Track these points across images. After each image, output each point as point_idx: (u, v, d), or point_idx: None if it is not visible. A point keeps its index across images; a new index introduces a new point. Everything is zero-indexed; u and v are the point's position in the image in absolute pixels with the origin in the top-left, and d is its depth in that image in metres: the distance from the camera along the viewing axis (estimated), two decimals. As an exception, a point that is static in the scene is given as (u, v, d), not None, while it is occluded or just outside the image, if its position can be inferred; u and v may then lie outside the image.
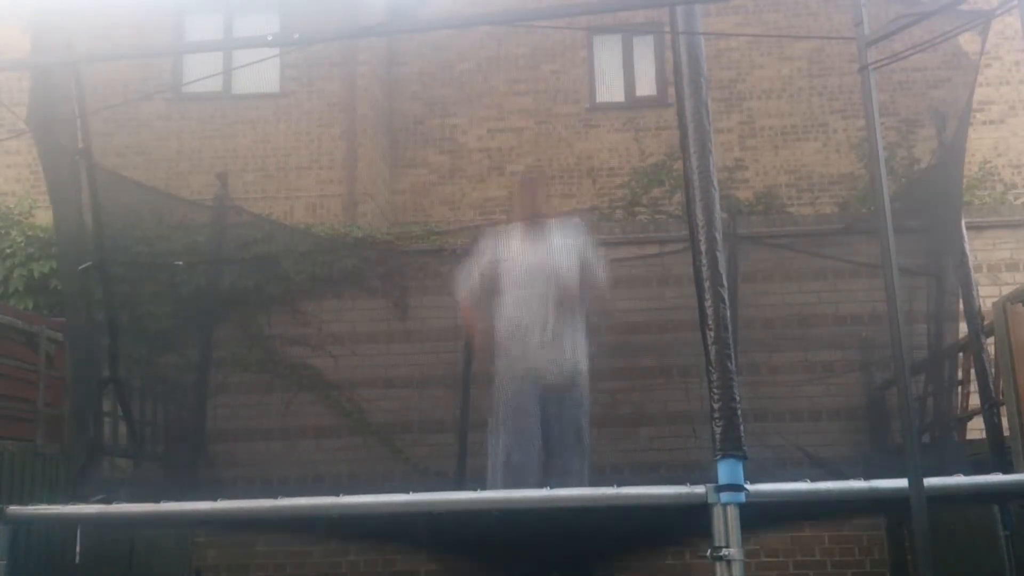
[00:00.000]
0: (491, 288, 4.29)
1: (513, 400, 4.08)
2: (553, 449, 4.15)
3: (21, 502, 3.53)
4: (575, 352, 4.16)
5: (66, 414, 4.44)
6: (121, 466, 4.57)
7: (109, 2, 8.43)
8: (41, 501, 3.96)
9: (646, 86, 9.97)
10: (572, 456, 4.12)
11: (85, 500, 3.34)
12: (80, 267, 4.10)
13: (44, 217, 7.19)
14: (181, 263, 5.36)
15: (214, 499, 3.01)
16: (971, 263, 4.45)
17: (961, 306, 4.50)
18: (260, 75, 8.91)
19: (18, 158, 9.09)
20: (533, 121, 9.86)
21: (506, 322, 4.18)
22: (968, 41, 3.92)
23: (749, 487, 2.64)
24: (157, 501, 3.09)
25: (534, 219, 4.35)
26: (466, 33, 8.93)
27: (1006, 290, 5.43)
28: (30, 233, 7.06)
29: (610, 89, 10.03)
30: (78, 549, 3.30)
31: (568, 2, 3.64)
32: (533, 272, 4.19)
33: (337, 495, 2.93)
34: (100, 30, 6.55)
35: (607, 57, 10.10)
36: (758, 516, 2.80)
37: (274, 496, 2.94)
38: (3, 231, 7.17)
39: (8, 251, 6.97)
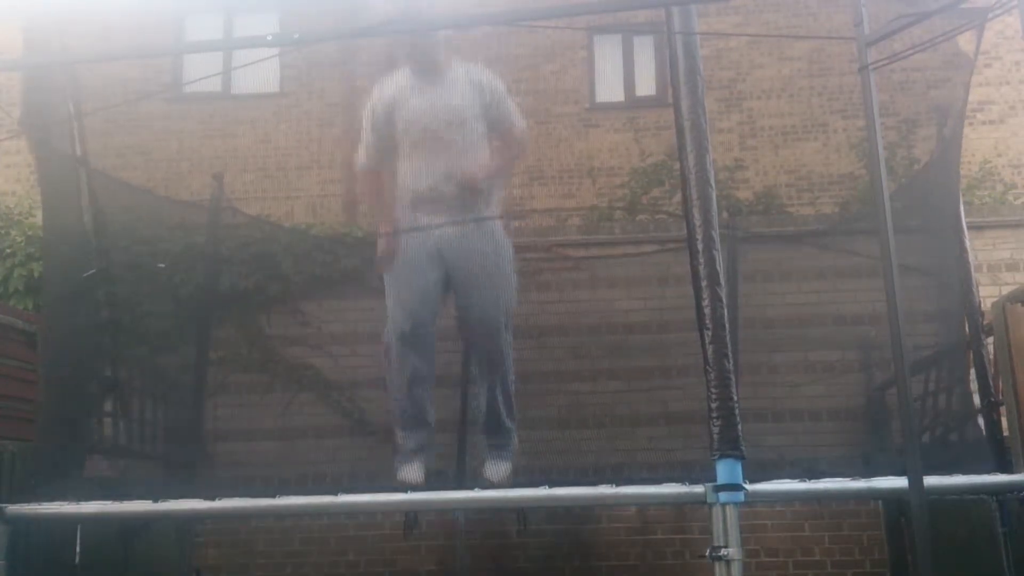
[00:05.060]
0: (389, 146, 3.71)
1: (409, 270, 3.61)
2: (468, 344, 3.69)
3: (21, 502, 3.52)
4: (485, 217, 3.62)
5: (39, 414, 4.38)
6: (99, 466, 4.54)
7: (108, 2, 8.43)
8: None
9: (646, 86, 9.97)
10: (489, 360, 3.65)
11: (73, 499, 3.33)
12: (84, 275, 4.08)
13: (44, 217, 7.20)
14: (163, 265, 5.30)
15: (213, 498, 3.01)
16: (972, 262, 4.45)
17: (961, 305, 4.50)
18: (260, 75, 8.90)
19: (18, 158, 9.10)
20: (533, 121, 9.81)
21: (404, 187, 3.64)
22: (967, 41, 3.93)
23: (748, 486, 2.64)
24: (156, 500, 3.09)
25: (430, 61, 3.75)
26: (466, 33, 8.93)
27: (1006, 290, 5.42)
28: (30, 233, 7.07)
29: (610, 89, 10.03)
30: (77, 548, 3.30)
31: (568, 2, 3.64)
32: (433, 123, 3.61)
33: (336, 494, 2.93)
34: (98, 30, 6.55)
35: (607, 57, 10.10)
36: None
37: (273, 496, 2.94)
38: (3, 231, 7.18)
39: (8, 251, 6.98)
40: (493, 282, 3.63)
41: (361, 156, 3.86)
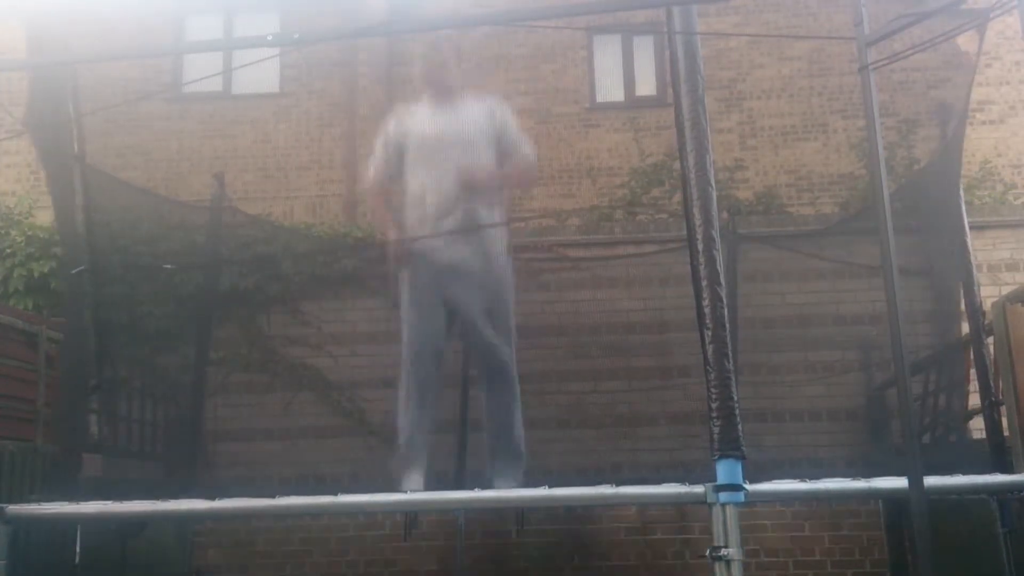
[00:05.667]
0: (398, 166, 3.90)
1: (418, 293, 3.77)
2: (473, 348, 3.87)
3: (21, 502, 3.52)
4: (491, 235, 3.77)
5: (57, 414, 4.42)
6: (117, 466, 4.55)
7: (109, 2, 8.43)
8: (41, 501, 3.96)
9: (646, 86, 9.97)
10: (494, 359, 3.74)
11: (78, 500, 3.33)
12: (73, 271, 4.10)
13: (44, 217, 7.20)
14: (171, 266, 5.33)
15: (212, 498, 3.01)
16: (972, 262, 4.45)
17: (962, 305, 4.50)
18: (260, 75, 8.92)
19: (18, 158, 9.10)
20: (533, 121, 9.84)
21: (412, 205, 3.83)
22: (967, 41, 3.93)
23: (748, 486, 2.64)
24: (156, 500, 3.09)
25: (444, 89, 3.92)
26: (466, 33, 8.92)
27: (1006, 290, 5.42)
28: (30, 233, 7.07)
29: (610, 89, 10.03)
30: (77, 549, 3.29)
31: (568, 2, 3.64)
32: (442, 144, 3.79)
33: (335, 494, 2.93)
34: (100, 30, 6.56)
35: (607, 57, 10.10)
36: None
37: (272, 496, 2.94)
38: (3, 231, 7.17)
39: (8, 251, 6.98)
40: (495, 305, 3.79)
41: (369, 172, 4.04)
